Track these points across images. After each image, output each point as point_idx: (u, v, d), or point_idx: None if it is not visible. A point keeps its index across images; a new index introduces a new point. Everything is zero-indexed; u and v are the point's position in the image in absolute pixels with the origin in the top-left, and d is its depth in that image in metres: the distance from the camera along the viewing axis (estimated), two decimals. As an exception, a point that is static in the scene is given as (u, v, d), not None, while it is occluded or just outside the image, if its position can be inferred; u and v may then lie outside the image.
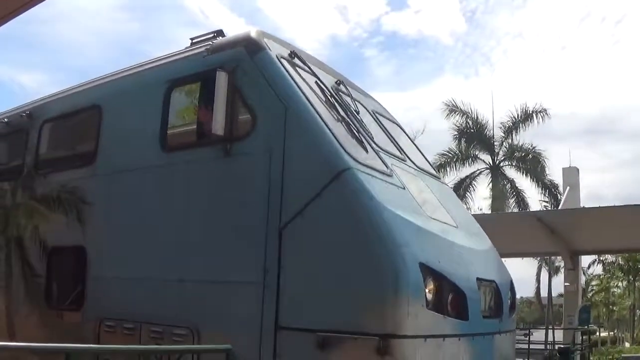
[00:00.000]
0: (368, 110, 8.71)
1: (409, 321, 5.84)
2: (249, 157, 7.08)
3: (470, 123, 34.52)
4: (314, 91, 7.36)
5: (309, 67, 7.77)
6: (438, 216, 7.56)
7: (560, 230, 20.94)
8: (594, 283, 52.58)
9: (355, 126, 7.49)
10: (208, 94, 7.30)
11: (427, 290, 6.13)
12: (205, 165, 7.46)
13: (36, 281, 8.94)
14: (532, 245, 24.02)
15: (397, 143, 8.64)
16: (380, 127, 8.64)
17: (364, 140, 7.33)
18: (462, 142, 34.39)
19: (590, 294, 50.79)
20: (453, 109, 34.40)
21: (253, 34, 7.59)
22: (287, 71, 7.24)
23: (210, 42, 7.90)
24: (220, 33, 8.12)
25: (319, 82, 7.66)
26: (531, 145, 34.16)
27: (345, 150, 6.66)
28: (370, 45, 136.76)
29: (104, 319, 7.91)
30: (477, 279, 7.09)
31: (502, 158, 34.85)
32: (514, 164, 34.71)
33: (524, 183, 34.73)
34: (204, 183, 7.44)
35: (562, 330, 23.75)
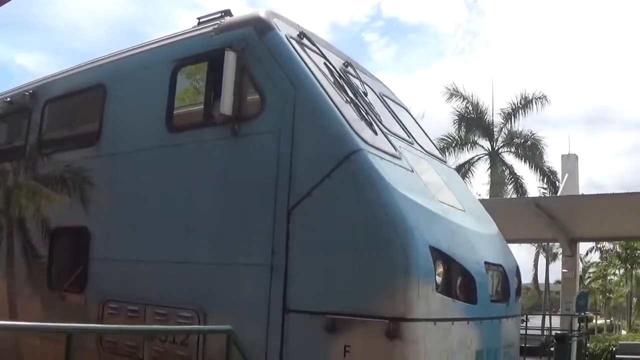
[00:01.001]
0: (375, 93, 8.63)
1: (419, 304, 5.79)
2: (257, 137, 7.00)
3: (470, 108, 34.34)
4: (322, 72, 7.26)
5: (318, 48, 7.68)
6: (446, 199, 7.50)
7: (559, 217, 20.92)
8: (591, 270, 52.70)
9: (364, 108, 7.41)
10: (216, 74, 7.23)
11: (436, 273, 6.09)
12: (212, 146, 7.37)
13: (38, 262, 8.86)
14: (530, 232, 23.98)
15: (404, 126, 8.56)
16: (388, 110, 8.56)
17: (372, 122, 7.25)
18: (462, 127, 34.23)
19: (588, 281, 50.94)
20: (454, 93, 34.21)
21: (262, 14, 7.48)
22: (296, 52, 7.15)
23: (218, 22, 7.79)
24: (227, 13, 8.01)
25: (327, 63, 7.57)
26: (530, 132, 34.03)
27: (355, 132, 6.58)
28: (371, 30, 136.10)
29: (108, 301, 7.85)
30: (485, 262, 7.05)
31: (501, 144, 34.71)
32: (512, 150, 34.52)
33: (523, 169, 34.73)
34: (211, 163, 7.35)
35: (559, 317, 23.82)
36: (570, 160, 29.71)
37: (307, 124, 6.69)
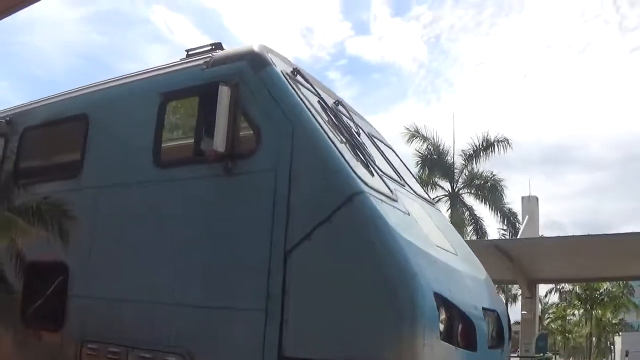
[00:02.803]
0: (365, 133, 8.52)
1: (425, 353, 5.62)
2: (252, 175, 6.79)
3: (432, 149, 34.37)
4: (317, 111, 7.12)
5: (312, 86, 7.55)
6: (440, 243, 7.39)
7: (519, 259, 21.15)
8: (550, 311, 53.28)
9: (359, 148, 7.28)
10: (207, 109, 7.01)
11: (440, 320, 5.94)
12: (203, 183, 7.14)
13: (11, 297, 8.43)
14: (490, 273, 24.04)
15: (394, 167, 8.46)
16: (378, 151, 8.44)
17: (368, 163, 7.13)
18: (425, 168, 34.23)
19: (547, 322, 51.44)
20: (414, 134, 34.23)
21: (256, 48, 7.33)
22: (292, 88, 7.01)
23: (210, 55, 7.59)
24: (218, 46, 7.82)
25: (321, 101, 7.44)
26: (491, 173, 34.09)
27: (354, 173, 6.44)
28: (334, 68, 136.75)
29: (87, 341, 7.47)
30: (483, 308, 6.95)
31: (462, 185, 34.60)
32: (473, 191, 34.48)
33: (483, 211, 34.69)
34: (202, 201, 7.10)
35: (518, 358, 23.90)
36: (530, 202, 30.20)
37: (306, 163, 6.51)
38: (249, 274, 6.51)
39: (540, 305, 42.66)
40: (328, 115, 7.30)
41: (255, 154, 6.83)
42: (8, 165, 9.17)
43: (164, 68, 8.10)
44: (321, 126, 6.75)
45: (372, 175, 6.94)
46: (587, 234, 27.71)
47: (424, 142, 34.46)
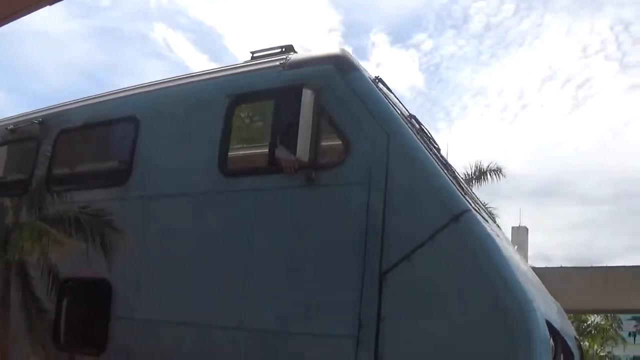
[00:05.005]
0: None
1: None
2: (339, 188, 6.13)
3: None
4: (408, 122, 6.51)
5: (395, 95, 6.93)
6: (526, 267, 6.82)
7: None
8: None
9: (445, 164, 6.68)
10: (285, 113, 6.38)
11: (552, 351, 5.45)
12: (279, 194, 6.44)
13: (42, 316, 7.57)
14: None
15: (467, 186, 7.85)
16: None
17: (457, 180, 6.52)
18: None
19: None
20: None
21: (342, 52, 6.69)
22: (383, 96, 6.38)
23: (285, 57, 6.90)
24: (290, 48, 7.15)
25: (406, 112, 6.82)
26: (483, 203, 33.87)
27: (458, 190, 5.82)
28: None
29: (132, 368, 6.70)
30: (574, 337, 6.44)
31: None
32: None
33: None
34: (277, 214, 6.41)
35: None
36: (520, 232, 29.87)
37: (405, 176, 5.87)
38: (334, 296, 5.83)
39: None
40: (414, 127, 6.68)
41: (343, 164, 6.17)
42: (40, 170, 8.32)
43: (230, 69, 7.40)
44: (417, 137, 6.14)
45: (464, 192, 6.32)
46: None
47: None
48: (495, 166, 35.43)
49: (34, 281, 7.68)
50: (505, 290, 5.27)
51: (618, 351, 50.13)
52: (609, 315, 44.02)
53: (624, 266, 26.68)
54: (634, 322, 59.61)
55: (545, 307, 5.87)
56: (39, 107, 9.19)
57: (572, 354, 6.08)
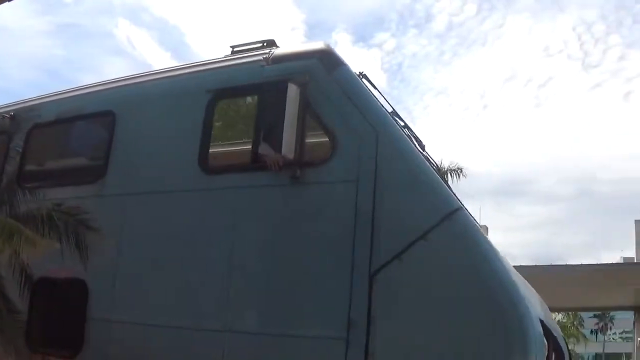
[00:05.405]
0: None
1: None
2: (327, 186, 5.99)
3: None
4: (394, 118, 6.41)
5: (379, 91, 6.81)
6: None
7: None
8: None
9: (430, 160, 6.60)
10: (270, 109, 6.22)
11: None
12: (263, 193, 6.28)
13: (14, 318, 7.28)
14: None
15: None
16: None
17: (443, 177, 6.44)
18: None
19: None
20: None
21: (325, 46, 6.55)
22: (370, 91, 6.27)
23: (267, 52, 6.73)
24: (272, 43, 6.97)
25: (389, 108, 6.72)
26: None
27: (448, 187, 5.75)
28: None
29: (110, 371, 6.47)
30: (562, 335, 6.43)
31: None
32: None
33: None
34: (262, 213, 6.24)
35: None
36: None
37: (395, 174, 5.76)
38: (322, 297, 5.69)
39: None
40: (399, 125, 6.58)
41: (329, 161, 6.02)
42: (11, 166, 8.00)
43: (210, 64, 7.18)
44: (405, 135, 6.04)
45: (451, 190, 6.25)
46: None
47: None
48: (456, 166, 35.66)
49: (5, 281, 7.40)
50: (500, 289, 5.21)
51: (580, 349, 51.01)
52: (570, 313, 44.68)
53: (584, 264, 27.09)
54: (595, 320, 60.78)
55: (536, 305, 5.82)
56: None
57: (562, 352, 6.03)
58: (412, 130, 7.00)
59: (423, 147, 6.86)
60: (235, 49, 7.20)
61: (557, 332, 6.36)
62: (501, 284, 5.20)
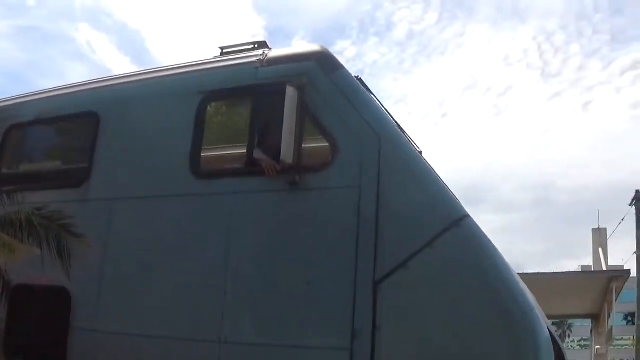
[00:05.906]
0: None
1: None
2: (328, 192, 5.81)
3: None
4: (396, 122, 6.28)
5: (374, 96, 6.67)
6: None
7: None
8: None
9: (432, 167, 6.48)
10: (266, 112, 6.02)
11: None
12: (258, 198, 6.07)
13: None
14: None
15: None
16: None
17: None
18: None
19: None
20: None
21: (322, 48, 6.39)
22: (370, 95, 6.13)
23: (261, 54, 6.54)
24: (263, 44, 6.79)
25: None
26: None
27: (453, 194, 5.63)
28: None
29: (94, 384, 6.18)
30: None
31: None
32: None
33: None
34: (258, 220, 6.03)
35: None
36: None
37: (399, 181, 5.62)
38: (324, 307, 5.52)
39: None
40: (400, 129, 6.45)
41: (330, 167, 5.85)
42: (-13, 168, 7.66)
43: (200, 65, 6.94)
44: (408, 139, 5.92)
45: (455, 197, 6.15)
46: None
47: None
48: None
49: None
50: (510, 297, 5.11)
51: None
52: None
53: (542, 272, 27.32)
54: (554, 328, 61.85)
55: (542, 313, 5.74)
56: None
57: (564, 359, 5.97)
58: (408, 136, 6.87)
59: (420, 153, 6.74)
60: (224, 50, 7.00)
61: (558, 339, 6.28)
62: (512, 293, 5.11)
